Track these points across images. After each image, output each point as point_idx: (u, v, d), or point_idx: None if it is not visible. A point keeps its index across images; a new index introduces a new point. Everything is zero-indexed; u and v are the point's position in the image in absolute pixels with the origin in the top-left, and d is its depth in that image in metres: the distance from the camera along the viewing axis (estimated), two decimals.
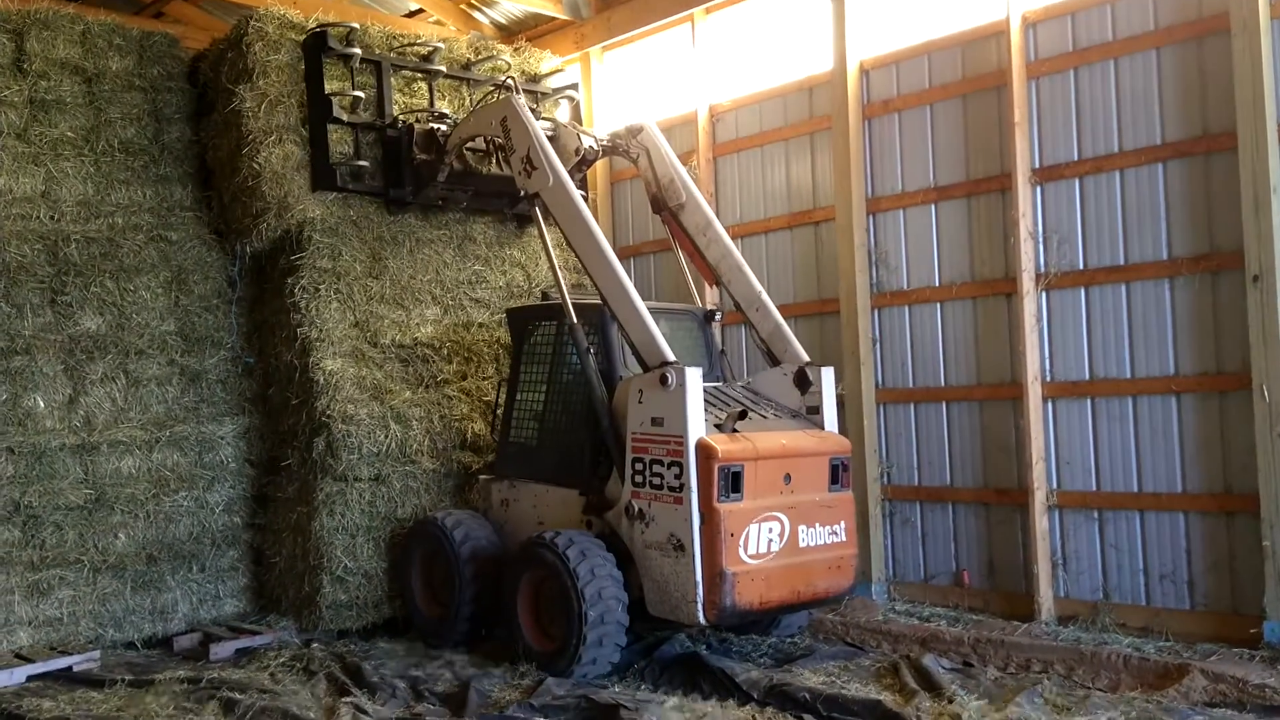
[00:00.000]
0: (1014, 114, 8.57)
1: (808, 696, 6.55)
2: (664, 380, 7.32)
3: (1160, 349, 8.05)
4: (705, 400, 7.47)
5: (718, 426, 7.42)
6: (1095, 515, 8.37)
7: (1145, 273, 8.10)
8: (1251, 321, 7.43)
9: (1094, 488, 8.37)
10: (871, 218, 9.64)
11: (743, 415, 7.55)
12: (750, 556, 7.22)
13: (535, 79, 11.11)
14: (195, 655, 8.44)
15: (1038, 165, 8.61)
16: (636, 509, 7.48)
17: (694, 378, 7.31)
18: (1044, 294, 8.57)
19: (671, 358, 7.43)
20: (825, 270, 10.06)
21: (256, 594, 9.51)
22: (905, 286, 9.48)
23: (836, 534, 7.75)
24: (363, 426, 8.81)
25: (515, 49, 11.28)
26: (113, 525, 8.70)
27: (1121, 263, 8.23)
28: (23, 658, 7.97)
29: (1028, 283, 8.53)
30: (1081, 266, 8.43)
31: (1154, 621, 7.96)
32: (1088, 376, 8.40)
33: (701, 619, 7.15)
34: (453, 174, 9.77)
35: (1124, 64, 8.21)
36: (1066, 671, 7.24)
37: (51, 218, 9.23)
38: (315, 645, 8.45)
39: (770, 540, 7.33)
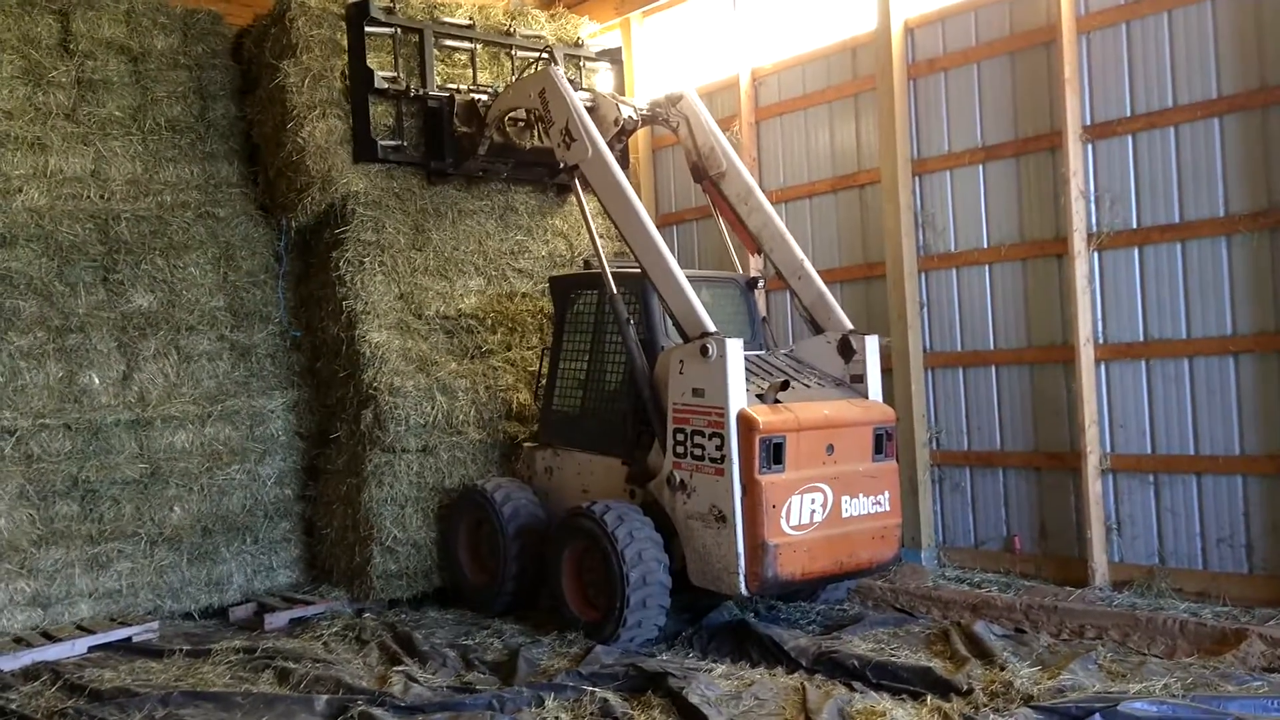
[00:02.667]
0: (1064, 70, 8.36)
1: (857, 663, 6.52)
2: (704, 351, 7.27)
3: (1217, 309, 7.86)
4: (747, 369, 7.42)
5: (759, 397, 7.36)
6: (1150, 479, 8.22)
7: (1201, 231, 7.90)
8: None
9: (1149, 451, 8.22)
10: (917, 179, 9.48)
11: (784, 385, 7.49)
12: (793, 528, 7.19)
13: (578, 44, 11.04)
14: (250, 625, 8.59)
15: (1089, 122, 8.40)
16: (678, 479, 7.46)
17: (734, 348, 7.25)
18: (1096, 254, 8.39)
19: (712, 328, 7.38)
20: (871, 234, 9.93)
21: (309, 565, 9.65)
22: (953, 249, 9.33)
23: (880, 504, 7.69)
24: (409, 398, 8.88)
25: (552, 15, 11.21)
26: (168, 499, 8.86)
27: (1176, 221, 8.03)
28: (84, 629, 8.17)
29: (1079, 243, 8.36)
30: (1135, 225, 8.24)
31: (1211, 586, 7.83)
32: (1142, 338, 8.23)
33: (743, 590, 7.14)
34: (493, 146, 9.75)
35: (1177, 16, 7.97)
36: (1121, 637, 7.13)
37: (102, 197, 9.36)
38: (367, 615, 8.58)
39: (813, 511, 7.29)
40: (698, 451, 7.34)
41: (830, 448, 7.44)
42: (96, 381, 8.84)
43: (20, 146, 9.07)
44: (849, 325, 8.18)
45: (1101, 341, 8.40)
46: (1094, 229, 8.38)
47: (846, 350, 8.05)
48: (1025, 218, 8.88)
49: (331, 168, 9.50)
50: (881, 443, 7.76)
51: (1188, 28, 7.93)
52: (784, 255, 8.51)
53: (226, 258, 9.61)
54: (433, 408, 8.94)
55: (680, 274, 7.65)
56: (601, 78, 11.16)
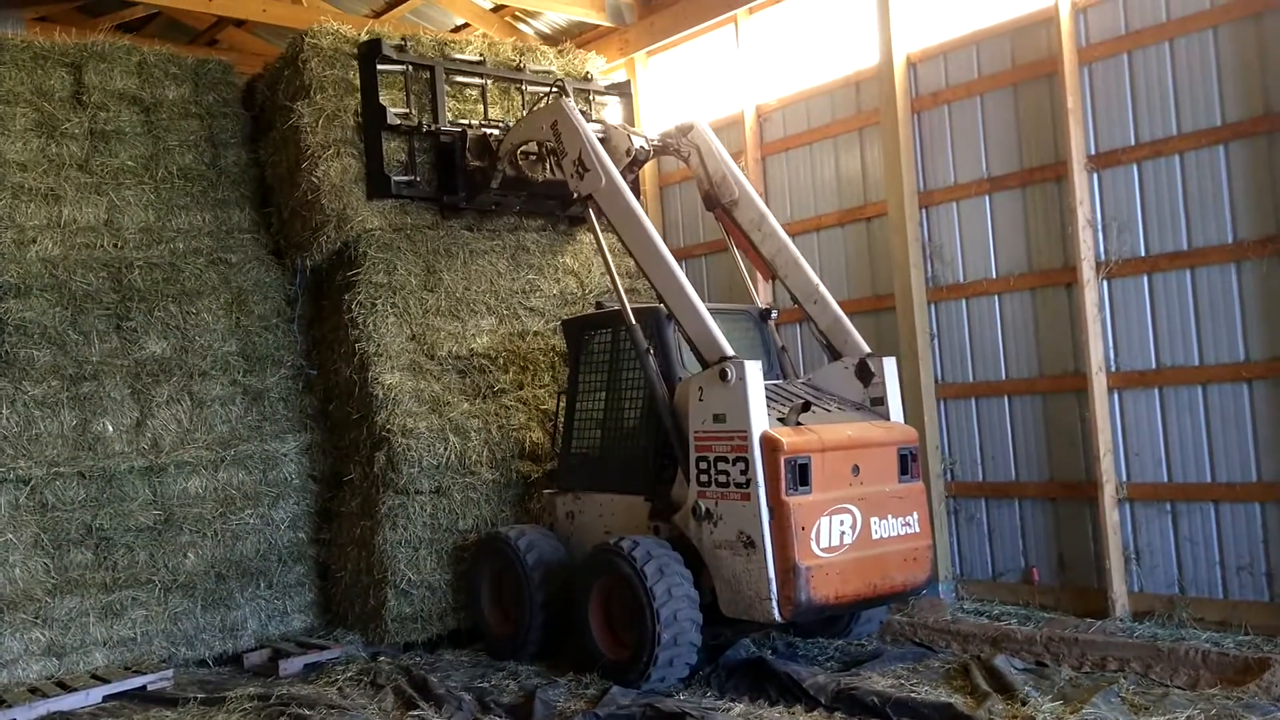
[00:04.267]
0: (1067, 101, 8.41)
1: (877, 700, 6.46)
2: (724, 375, 7.25)
3: (1229, 335, 7.85)
4: (767, 397, 7.38)
5: (781, 420, 7.33)
6: (1168, 508, 8.17)
7: (1210, 257, 7.91)
8: None
9: (1165, 479, 8.18)
10: (924, 211, 9.52)
11: (806, 407, 7.46)
12: (823, 550, 7.09)
13: (587, 79, 11.15)
14: (265, 671, 8.53)
15: (1094, 152, 8.45)
16: (703, 509, 7.39)
17: (754, 371, 7.22)
18: (1105, 282, 8.40)
19: (730, 352, 7.36)
20: (879, 266, 9.96)
21: (323, 609, 9.60)
22: (961, 280, 9.35)
23: (910, 525, 7.61)
24: (422, 439, 8.87)
25: (560, 51, 11.30)
26: (182, 545, 8.84)
27: (1185, 248, 8.04)
28: (99, 678, 8.12)
29: (1088, 272, 8.37)
30: (1143, 253, 8.25)
31: (1232, 615, 7.75)
32: (1154, 365, 8.22)
33: (777, 616, 7.00)
34: (505, 179, 9.81)
35: (1179, 45, 8.03)
36: (1143, 669, 7.06)
37: (115, 245, 9.44)
38: (382, 658, 8.51)
39: (842, 533, 7.20)
40: (722, 478, 7.28)
41: (856, 469, 7.39)
42: (110, 429, 8.86)
43: (34, 198, 9.18)
44: (866, 349, 8.15)
45: (1114, 370, 8.39)
46: (1102, 257, 8.40)
47: (865, 374, 8.01)
48: (1033, 247, 8.90)
49: (346, 205, 9.56)
50: (907, 463, 7.71)
51: (1190, 56, 7.98)
52: (798, 280, 8.51)
53: (239, 303, 9.65)
54: (445, 449, 8.93)
55: (697, 299, 7.66)
56: (610, 111, 11.24)
